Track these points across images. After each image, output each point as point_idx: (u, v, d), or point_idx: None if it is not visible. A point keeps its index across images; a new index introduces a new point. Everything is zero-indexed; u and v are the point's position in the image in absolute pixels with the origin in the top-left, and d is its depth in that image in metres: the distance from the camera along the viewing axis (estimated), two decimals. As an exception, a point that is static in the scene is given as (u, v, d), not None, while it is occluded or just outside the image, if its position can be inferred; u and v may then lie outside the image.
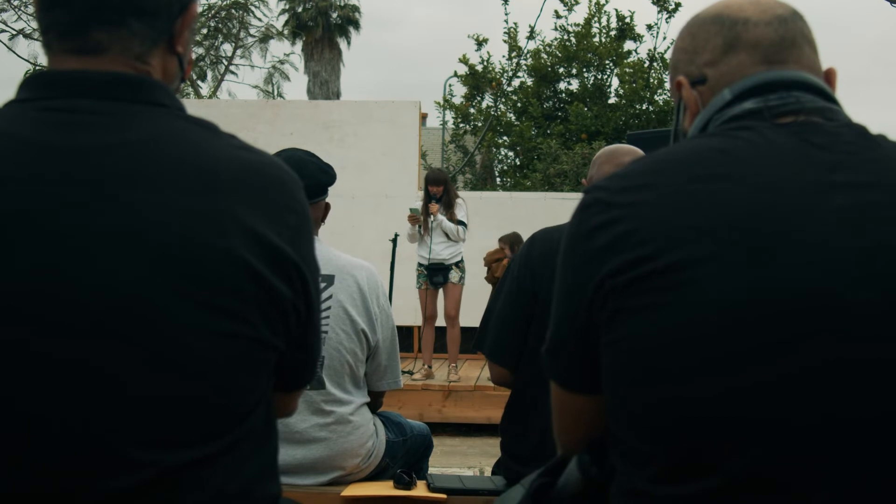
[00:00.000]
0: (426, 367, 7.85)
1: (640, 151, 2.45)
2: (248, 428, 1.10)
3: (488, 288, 7.79)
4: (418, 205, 7.28)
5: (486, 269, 8.17)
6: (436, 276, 7.36)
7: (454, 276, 7.38)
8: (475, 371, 8.00)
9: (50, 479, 0.99)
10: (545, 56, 15.99)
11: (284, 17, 24.41)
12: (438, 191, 7.19)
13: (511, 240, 7.94)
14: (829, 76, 1.19)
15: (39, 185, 1.01)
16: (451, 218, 7.19)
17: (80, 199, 1.01)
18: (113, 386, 1.00)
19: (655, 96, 15.31)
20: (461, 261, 7.43)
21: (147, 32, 1.12)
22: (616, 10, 16.71)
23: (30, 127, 1.05)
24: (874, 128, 1.11)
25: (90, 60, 1.10)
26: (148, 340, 1.00)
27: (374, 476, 2.72)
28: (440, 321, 7.71)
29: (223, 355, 1.05)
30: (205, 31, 21.09)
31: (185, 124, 1.11)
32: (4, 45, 15.90)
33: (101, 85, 1.08)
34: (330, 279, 2.55)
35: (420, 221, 7.21)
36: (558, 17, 15.81)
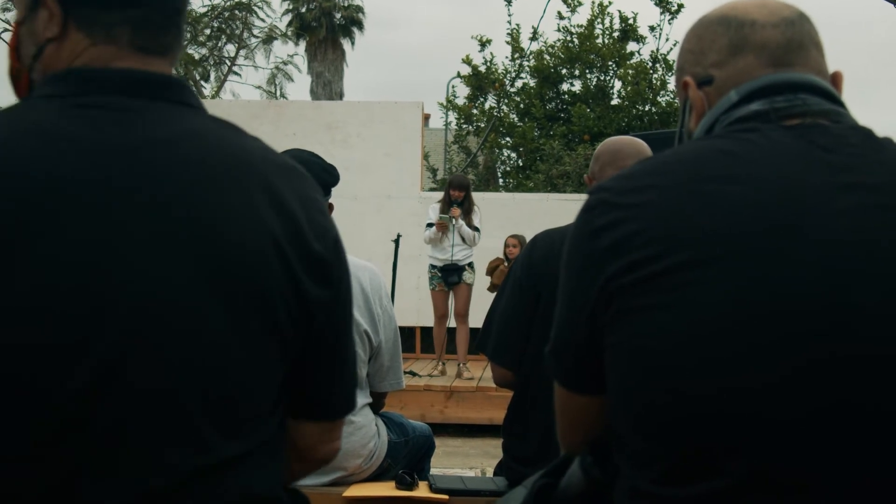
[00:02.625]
0: (441, 364, 8.01)
1: (645, 150, 2.43)
2: (273, 429, 1.10)
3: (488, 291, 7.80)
4: (447, 212, 7.48)
5: (489, 271, 8.18)
6: (451, 276, 7.57)
7: (468, 276, 7.62)
8: (477, 372, 8.01)
9: (82, 478, 0.98)
10: (548, 57, 15.98)
11: (288, 18, 24.45)
12: (460, 195, 7.44)
13: (522, 239, 7.97)
14: (836, 79, 1.19)
15: (67, 180, 0.99)
16: (469, 224, 7.44)
17: (114, 197, 1.00)
18: (143, 385, 0.99)
19: (658, 97, 15.30)
20: (472, 262, 7.67)
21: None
22: (619, 11, 16.70)
23: (65, 121, 1.03)
24: (881, 130, 1.11)
25: (152, 61, 1.11)
26: (176, 339, 1.00)
27: (376, 477, 2.72)
28: (448, 322, 7.86)
29: (251, 354, 1.05)
30: (208, 31, 21.13)
31: (211, 124, 1.11)
32: (6, 42, 15.93)
33: (132, 83, 1.08)
34: (332, 279, 2.54)
35: (447, 227, 7.43)
36: (561, 18, 15.81)
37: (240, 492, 1.05)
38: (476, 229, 7.45)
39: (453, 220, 7.40)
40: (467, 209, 7.46)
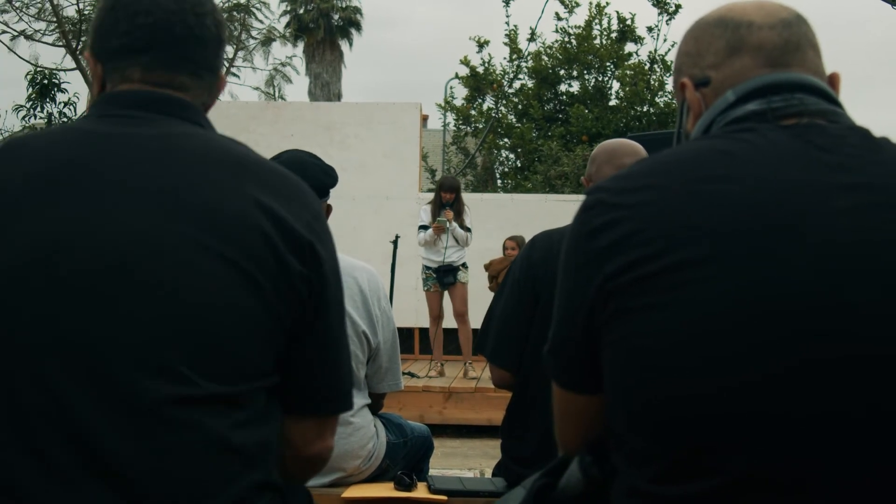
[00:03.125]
0: (439, 365, 8.03)
1: (640, 151, 2.44)
2: (250, 393, 1.15)
3: (490, 290, 7.81)
4: (442, 215, 7.53)
5: (490, 277, 8.17)
6: (446, 276, 7.64)
7: (462, 275, 7.69)
8: (475, 372, 8.01)
9: (70, 400, 1.07)
10: (546, 58, 15.97)
11: (286, 19, 24.44)
12: (451, 197, 7.50)
13: (522, 241, 7.97)
14: (833, 80, 1.19)
15: (81, 160, 1.17)
16: (461, 224, 7.51)
17: (118, 167, 1.17)
18: (123, 312, 1.10)
19: (656, 98, 15.30)
20: (465, 262, 7.74)
21: (209, 84, 1.32)
22: (617, 12, 16.65)
23: (88, 124, 1.25)
24: (878, 129, 1.11)
25: (163, 91, 1.27)
26: (159, 274, 1.12)
27: (375, 477, 2.72)
28: (447, 323, 7.92)
29: (234, 311, 1.13)
30: (206, 32, 21.00)
31: (220, 136, 1.27)
32: (6, 45, 15.91)
33: (146, 101, 1.25)
34: (331, 280, 2.55)
35: (444, 230, 7.49)
36: (559, 19, 15.80)
37: (216, 436, 1.10)
38: (468, 229, 7.53)
39: (448, 223, 7.45)
40: (458, 210, 7.52)
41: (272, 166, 1.26)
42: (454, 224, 7.45)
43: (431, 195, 8.09)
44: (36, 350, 1.09)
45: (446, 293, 7.78)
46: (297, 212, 1.21)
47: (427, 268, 7.74)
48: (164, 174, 1.17)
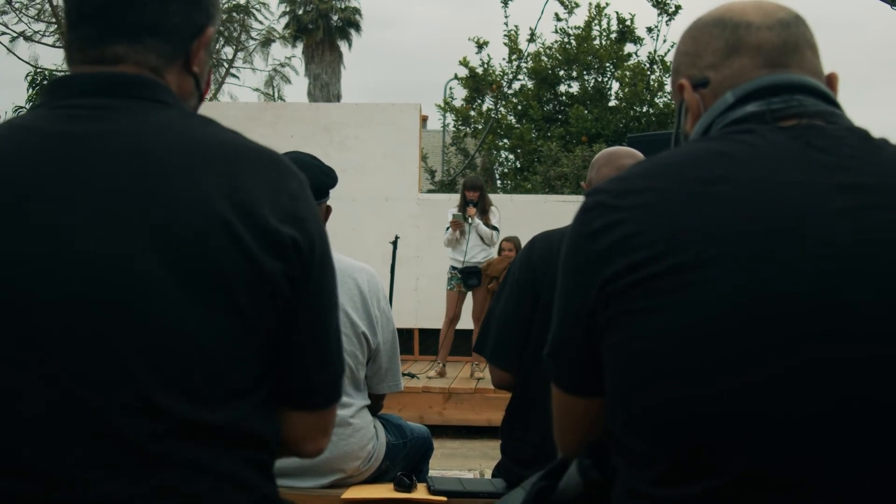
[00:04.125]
0: (441, 365, 8.00)
1: (639, 154, 2.45)
2: (238, 414, 1.09)
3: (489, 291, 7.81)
4: (458, 211, 7.55)
5: (490, 279, 8.16)
6: (470, 278, 7.61)
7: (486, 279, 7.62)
8: (481, 373, 8.00)
9: (37, 448, 1.02)
10: (545, 59, 15.97)
11: (285, 20, 24.44)
12: (475, 196, 7.50)
13: (518, 242, 7.97)
14: (832, 81, 1.19)
15: (38, 168, 1.08)
16: (487, 223, 7.50)
17: (67, 181, 1.07)
18: (100, 345, 1.03)
19: (656, 99, 15.30)
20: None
21: (162, 48, 1.18)
22: (616, 12, 16.65)
23: (40, 121, 1.13)
24: (876, 129, 1.12)
25: (104, 68, 1.16)
26: (130, 310, 1.04)
27: (375, 478, 2.72)
28: (460, 324, 7.87)
29: (208, 329, 1.07)
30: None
31: (185, 118, 1.16)
32: (5, 47, 15.93)
33: (102, 83, 1.14)
34: (330, 282, 2.54)
35: (462, 226, 7.48)
36: (558, 19, 15.79)
37: (201, 463, 1.06)
38: (494, 228, 7.51)
39: (469, 220, 7.45)
40: (483, 208, 7.52)
41: (242, 149, 1.15)
42: (477, 221, 7.45)
43: (431, 196, 8.10)
44: (9, 384, 1.03)
45: (469, 295, 7.75)
46: (275, 200, 1.12)
47: (453, 268, 7.73)
48: (125, 185, 1.07)
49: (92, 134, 1.10)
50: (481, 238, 7.53)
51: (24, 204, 1.06)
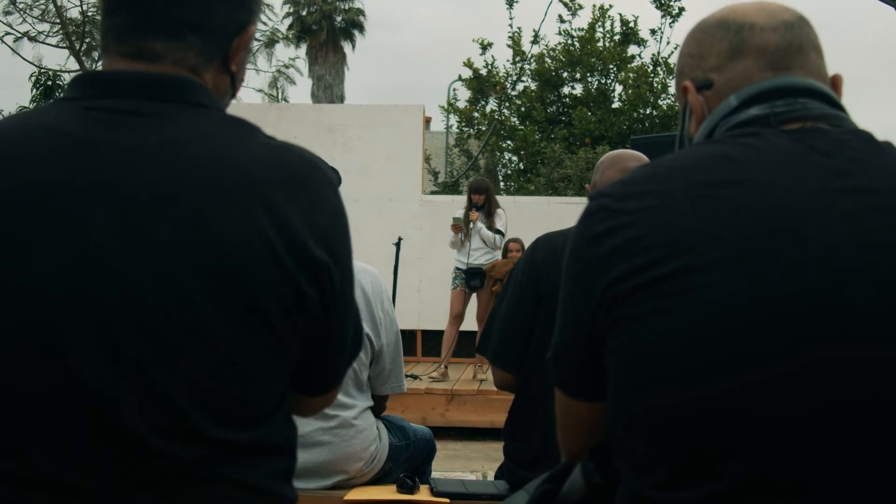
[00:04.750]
0: (443, 367, 7.96)
1: (643, 157, 2.45)
2: (268, 429, 1.10)
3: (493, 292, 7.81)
4: (460, 213, 7.55)
5: (494, 280, 8.16)
6: (473, 279, 7.60)
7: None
8: (484, 375, 8.00)
9: (78, 466, 1.01)
10: (549, 60, 15.97)
11: (289, 21, 24.46)
12: (481, 199, 7.50)
13: (523, 243, 7.97)
14: (836, 82, 1.19)
15: (75, 181, 1.03)
16: (491, 226, 7.48)
17: (111, 197, 1.03)
18: (136, 376, 1.01)
19: (659, 101, 15.29)
20: None
21: (202, 47, 1.14)
22: (620, 14, 16.68)
23: (74, 124, 1.07)
24: (880, 130, 1.11)
25: (143, 65, 1.12)
26: (163, 335, 1.02)
27: (377, 480, 2.72)
28: (464, 325, 7.86)
29: (244, 353, 1.05)
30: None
31: (223, 125, 1.13)
32: (9, 47, 15.95)
33: (143, 85, 1.10)
34: (334, 283, 2.55)
35: (462, 230, 7.48)
36: (562, 21, 15.79)
37: (235, 483, 1.06)
38: (499, 232, 7.48)
39: (471, 223, 7.43)
40: (488, 211, 7.50)
41: (280, 163, 1.11)
42: (480, 225, 7.43)
43: (434, 197, 8.09)
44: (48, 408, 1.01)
45: (474, 296, 7.74)
46: (312, 221, 1.10)
47: (457, 268, 7.74)
48: (164, 202, 1.03)
49: (130, 145, 1.05)
50: (484, 241, 7.52)
51: (59, 216, 1.02)
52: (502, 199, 8.29)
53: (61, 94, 1.15)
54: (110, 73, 1.13)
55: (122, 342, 1.01)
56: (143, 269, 1.02)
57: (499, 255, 7.66)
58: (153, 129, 1.07)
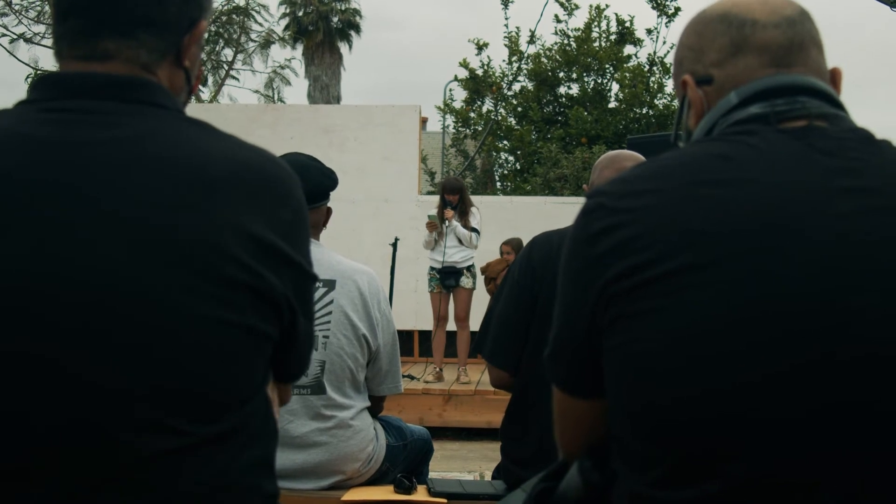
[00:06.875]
0: (437, 370, 7.96)
1: (640, 157, 2.45)
2: (241, 420, 1.10)
3: (488, 292, 7.80)
4: (435, 211, 7.53)
5: (488, 279, 8.15)
6: (448, 279, 7.57)
7: (465, 280, 7.60)
8: (475, 375, 8.01)
9: (43, 463, 1.01)
10: (545, 60, 15.97)
11: (285, 22, 24.45)
12: (454, 199, 7.45)
13: (516, 245, 7.96)
14: (835, 76, 1.19)
15: (33, 181, 1.04)
16: (466, 225, 7.43)
17: (65, 192, 1.04)
18: (99, 374, 1.01)
19: (655, 100, 15.31)
20: (472, 265, 7.64)
21: (155, 44, 1.15)
22: (616, 14, 16.70)
23: (32, 125, 1.08)
24: (879, 131, 1.11)
25: (96, 65, 1.13)
26: (129, 329, 1.02)
27: (375, 480, 2.72)
28: (451, 325, 7.83)
29: (209, 341, 1.05)
30: (206, 36, 21.07)
31: (181, 124, 1.13)
32: (5, 48, 15.94)
33: (98, 86, 1.11)
34: (331, 284, 2.55)
35: (438, 228, 7.45)
36: (558, 21, 15.80)
37: (206, 475, 1.05)
38: (474, 230, 7.44)
39: (446, 222, 7.41)
40: (463, 211, 7.47)
41: (240, 160, 1.12)
42: (454, 223, 7.40)
43: (430, 198, 8.09)
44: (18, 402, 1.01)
45: (451, 296, 7.71)
46: (275, 214, 1.11)
47: (432, 268, 7.69)
48: (128, 196, 1.04)
49: (86, 144, 1.06)
50: (459, 240, 7.48)
51: (24, 218, 1.03)
52: (499, 199, 8.29)
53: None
54: (65, 74, 1.14)
55: (90, 336, 1.01)
56: (105, 265, 1.02)
57: (474, 253, 7.61)
58: (109, 127, 1.08)
